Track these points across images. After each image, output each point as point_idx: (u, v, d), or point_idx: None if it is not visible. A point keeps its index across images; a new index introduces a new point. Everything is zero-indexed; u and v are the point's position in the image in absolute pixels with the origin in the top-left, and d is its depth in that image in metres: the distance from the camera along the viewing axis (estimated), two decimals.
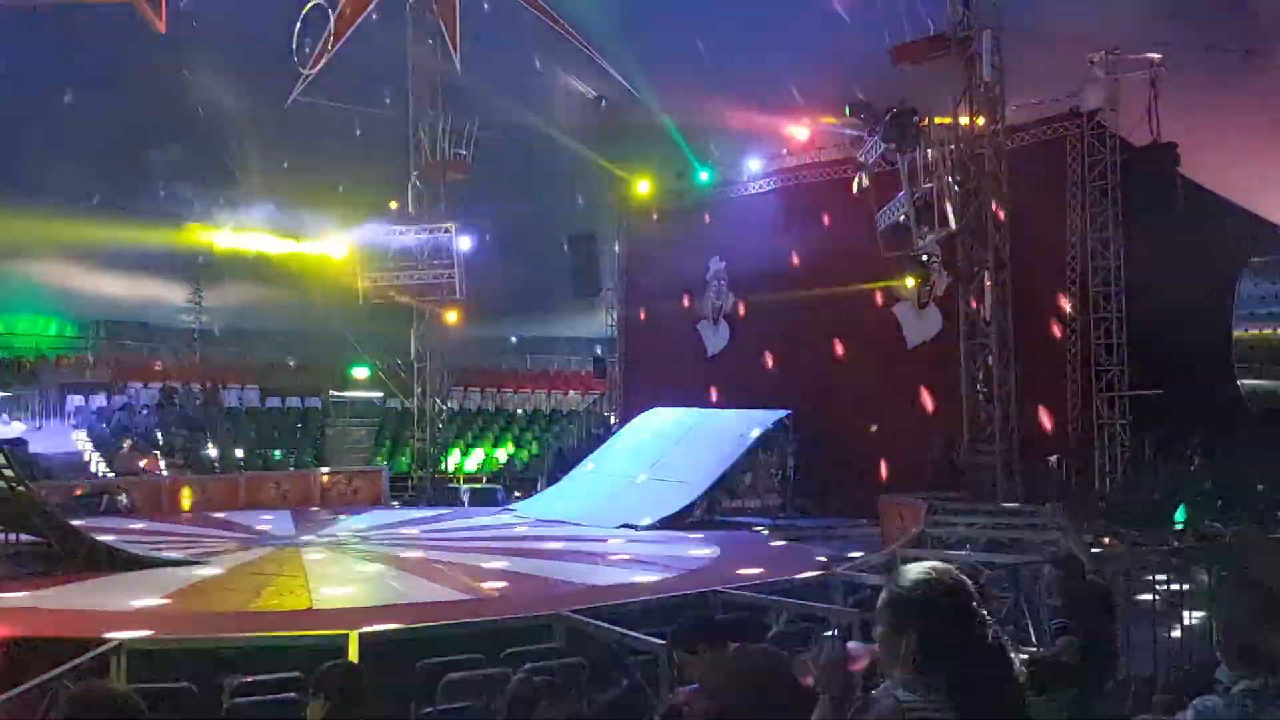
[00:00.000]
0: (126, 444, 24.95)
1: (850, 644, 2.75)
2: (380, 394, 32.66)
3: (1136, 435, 17.08)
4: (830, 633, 8.47)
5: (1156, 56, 16.98)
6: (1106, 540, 13.96)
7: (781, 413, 21.17)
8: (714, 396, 23.75)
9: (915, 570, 2.59)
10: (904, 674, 2.48)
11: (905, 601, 2.54)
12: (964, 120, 17.04)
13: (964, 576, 2.56)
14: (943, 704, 2.38)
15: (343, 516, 21.04)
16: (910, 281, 18.78)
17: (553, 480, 23.88)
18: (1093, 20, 18.80)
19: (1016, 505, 15.29)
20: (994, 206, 16.88)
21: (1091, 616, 6.30)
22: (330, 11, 26.69)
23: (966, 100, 16.99)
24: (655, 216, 26.56)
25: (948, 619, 2.47)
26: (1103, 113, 17.73)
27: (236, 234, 28.80)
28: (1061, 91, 18.39)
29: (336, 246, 27.27)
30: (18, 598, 11.34)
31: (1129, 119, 17.46)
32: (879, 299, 20.93)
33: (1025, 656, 6.70)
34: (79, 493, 20.73)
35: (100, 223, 27.88)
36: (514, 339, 39.17)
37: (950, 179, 16.64)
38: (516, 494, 24.79)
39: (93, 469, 24.95)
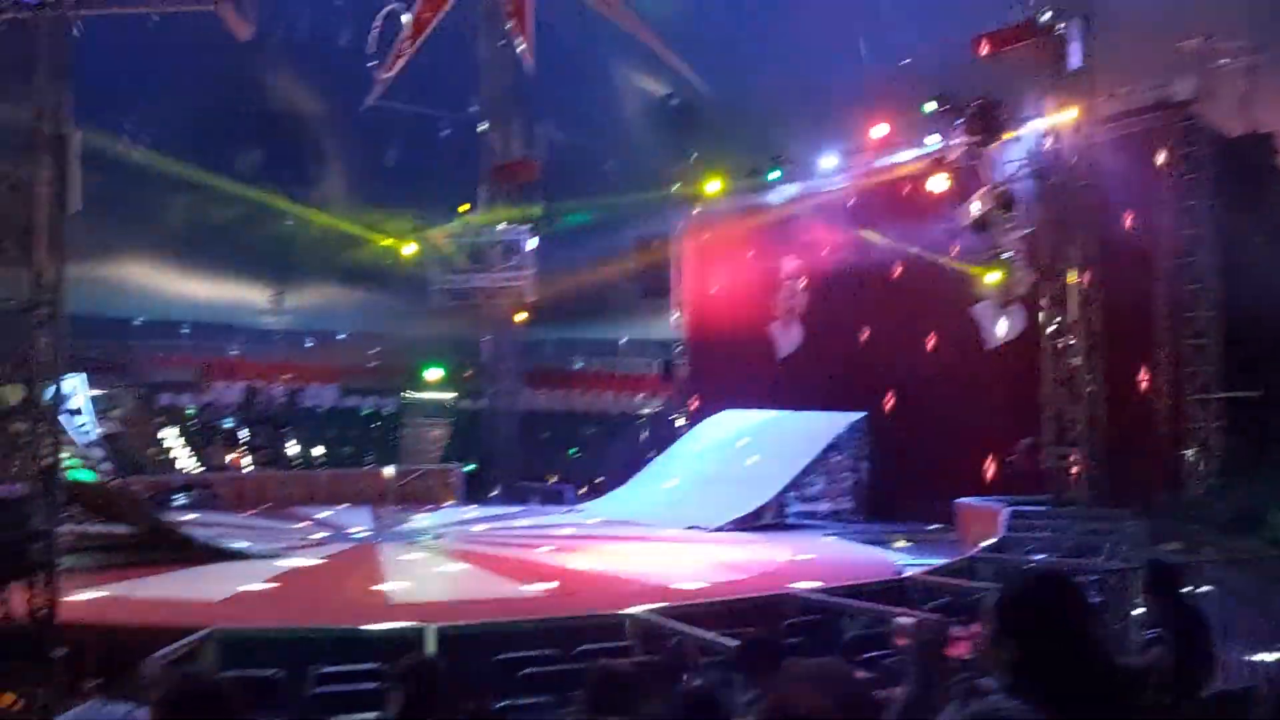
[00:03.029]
0: (214, 442, 25.63)
1: (954, 628, 2.69)
2: (453, 394, 33.08)
3: (1230, 438, 16.49)
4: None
5: (1252, 44, 16.35)
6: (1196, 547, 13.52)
7: (856, 415, 20.91)
8: (786, 399, 23.52)
9: (1027, 575, 2.50)
10: (1004, 679, 2.41)
11: (1010, 605, 2.46)
12: (1050, 112, 16.59)
13: (1078, 585, 2.47)
14: (1044, 714, 2.28)
15: (418, 513, 21.34)
16: (991, 279, 18.41)
17: (621, 481, 23.91)
18: (1184, 6, 18.18)
19: (1102, 510, 14.89)
20: (1079, 201, 16.42)
21: (1186, 627, 6.08)
22: (406, 15, 27.06)
23: (1053, 91, 16.52)
24: (725, 215, 26.42)
25: (1053, 628, 2.37)
26: (1195, 103, 17.12)
27: (316, 233, 29.33)
28: (1151, 81, 17.80)
29: (409, 248, 27.66)
30: (113, 588, 11.69)
31: (1223, 109, 16.84)
32: (958, 298, 20.51)
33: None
34: (169, 487, 21.36)
35: (186, 224, 28.67)
36: (585, 341, 39.34)
37: (1034, 173, 16.26)
38: (584, 493, 24.88)
39: (181, 465, 25.68)
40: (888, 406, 20.76)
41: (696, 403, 26.88)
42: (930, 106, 18.30)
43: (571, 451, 29.95)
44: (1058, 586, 2.46)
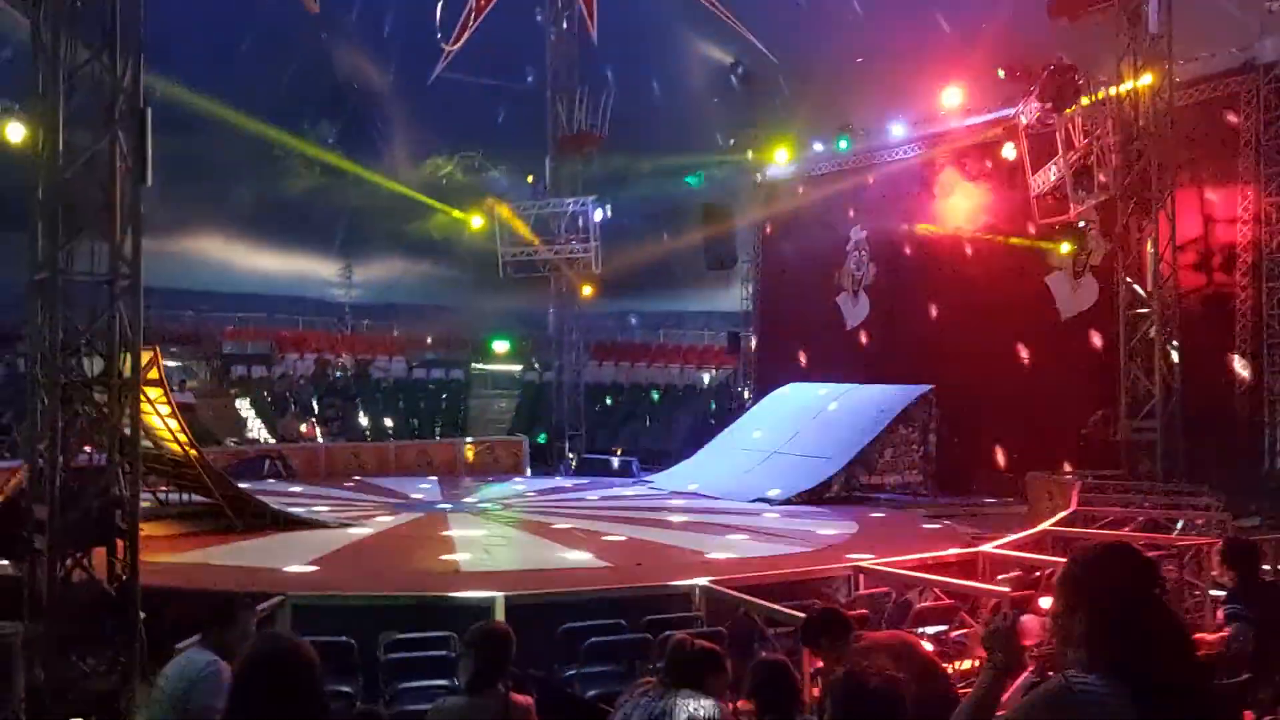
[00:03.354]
0: (286, 413, 26.20)
1: (1025, 617, 2.66)
2: (519, 366, 33.38)
3: None
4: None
5: None
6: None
7: (924, 387, 20.65)
8: (853, 371, 23.29)
9: (1096, 547, 2.47)
10: (1077, 654, 2.37)
11: (1080, 578, 2.43)
12: (1126, 77, 16.09)
13: (1149, 557, 2.43)
14: (1117, 688, 2.26)
15: (485, 484, 21.61)
16: (1065, 249, 17.98)
17: (686, 454, 23.93)
18: None
19: (1178, 485, 14.54)
20: (1157, 169, 15.94)
21: (1264, 603, 5.93)
22: None
23: (1130, 55, 16.02)
24: (793, 186, 26.15)
25: (1124, 599, 2.34)
26: None
27: (384, 204, 29.68)
28: (1234, 44, 17.17)
29: (476, 220, 27.84)
30: (190, 555, 12.04)
31: None
32: (1031, 268, 20.08)
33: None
34: (244, 458, 21.90)
35: (257, 198, 29.20)
36: (647, 313, 39.40)
37: (1111, 140, 15.80)
38: (650, 466, 24.96)
39: (255, 435, 26.31)
40: (958, 379, 20.44)
41: (764, 374, 26.76)
42: (1003, 72, 17.86)
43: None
44: (1126, 557, 2.42)
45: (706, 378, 34.63)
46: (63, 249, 6.85)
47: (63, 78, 6.91)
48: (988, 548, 11.28)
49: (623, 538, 14.32)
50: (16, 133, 13.46)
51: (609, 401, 31.85)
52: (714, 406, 30.39)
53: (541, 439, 27.66)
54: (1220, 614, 6.18)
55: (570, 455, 26.35)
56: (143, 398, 7.58)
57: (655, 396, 32.98)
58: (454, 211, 29.11)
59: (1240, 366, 16.89)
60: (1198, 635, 6.51)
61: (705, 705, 4.31)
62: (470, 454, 24.73)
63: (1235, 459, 16.05)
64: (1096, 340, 17.90)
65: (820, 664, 4.77)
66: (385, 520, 15.78)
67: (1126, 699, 2.23)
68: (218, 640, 4.57)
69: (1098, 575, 2.40)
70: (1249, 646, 5.64)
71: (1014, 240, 19.78)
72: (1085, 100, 16.07)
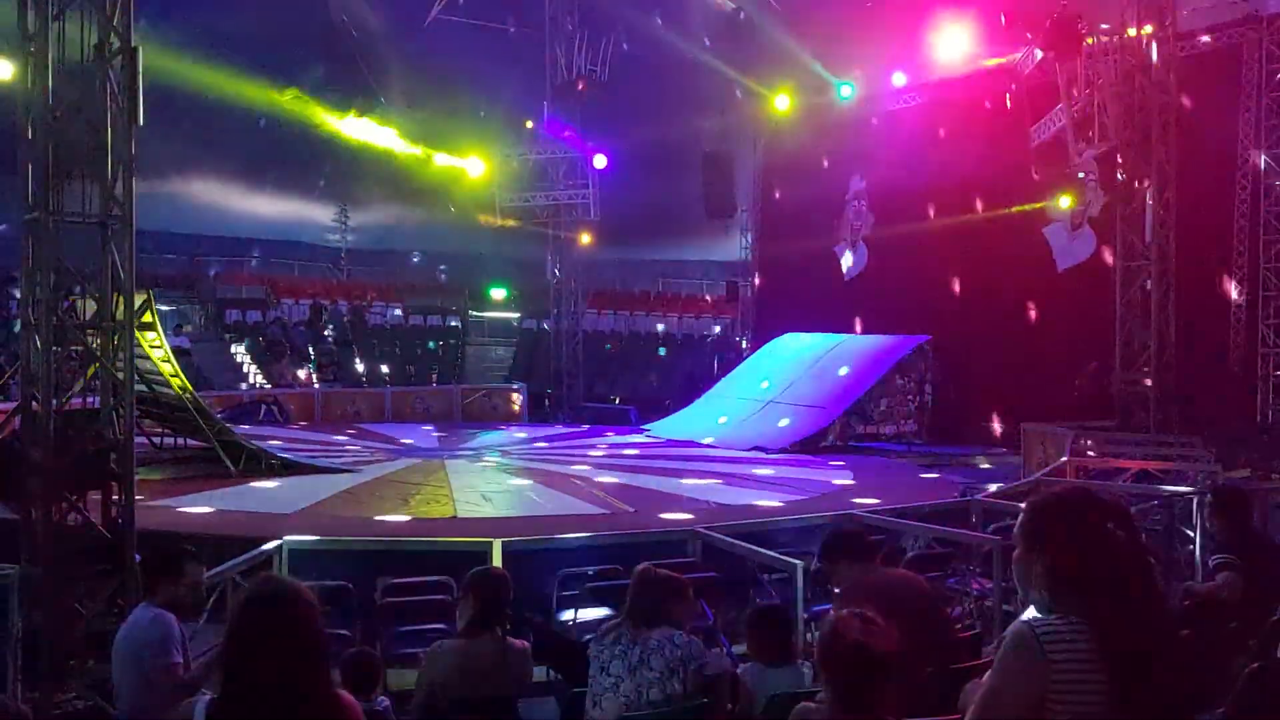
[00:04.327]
0: (281, 358, 26.17)
1: None
2: (517, 314, 33.32)
3: None
4: None
5: None
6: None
7: (920, 338, 20.67)
8: (850, 321, 23.29)
9: (1052, 492, 2.50)
10: (1039, 598, 2.39)
11: (1037, 522, 2.45)
12: (1129, 27, 15.89)
13: (1108, 500, 2.45)
14: (1079, 627, 2.28)
15: (482, 431, 21.68)
16: (1065, 201, 17.87)
17: (685, 403, 24.00)
18: None
19: (1170, 436, 14.61)
20: (1158, 120, 15.79)
21: (1255, 551, 5.97)
22: None
23: (1132, 5, 15.81)
24: (793, 134, 25.92)
25: (1084, 536, 2.37)
26: None
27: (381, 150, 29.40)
28: None
29: (474, 166, 27.60)
30: (186, 499, 12.08)
31: None
32: (1029, 219, 19.99)
33: (1183, 589, 6.45)
34: (239, 403, 21.92)
35: (251, 140, 28.88)
36: (646, 262, 39.26)
37: (1111, 91, 15.63)
38: (648, 414, 25.03)
39: (250, 380, 26.31)
40: (954, 329, 20.45)
41: (762, 324, 26.75)
42: (1005, 19, 17.62)
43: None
44: (1080, 500, 2.45)
45: (707, 327, 34.62)
46: (53, 190, 6.78)
47: (51, 15, 6.79)
48: (980, 496, 11.36)
49: (620, 484, 14.39)
50: (4, 70, 13.24)
51: (608, 350, 31.81)
52: (713, 356, 30.40)
53: (538, 386, 27.57)
54: (1210, 563, 6.22)
55: (567, 404, 26.37)
56: (137, 341, 7.53)
57: (661, 352, 32.92)
58: (450, 156, 28.83)
59: (1234, 320, 16.91)
60: (1188, 585, 6.58)
61: (680, 643, 4.34)
62: (466, 396, 24.79)
63: (1228, 411, 16.12)
64: (1092, 292, 17.84)
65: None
66: (381, 467, 15.83)
67: (1090, 637, 2.26)
68: (167, 594, 4.59)
69: (1054, 518, 2.42)
70: (1238, 595, 5.68)
71: (1012, 191, 19.65)
72: (1087, 50, 15.86)
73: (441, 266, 36.62)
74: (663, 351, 31.42)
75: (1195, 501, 9.50)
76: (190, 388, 14.03)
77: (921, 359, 20.86)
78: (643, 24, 26.68)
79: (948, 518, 10.48)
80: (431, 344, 31.18)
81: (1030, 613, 2.43)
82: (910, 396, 21.36)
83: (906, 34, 22.37)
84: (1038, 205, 19.40)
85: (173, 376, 13.30)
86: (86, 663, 6.58)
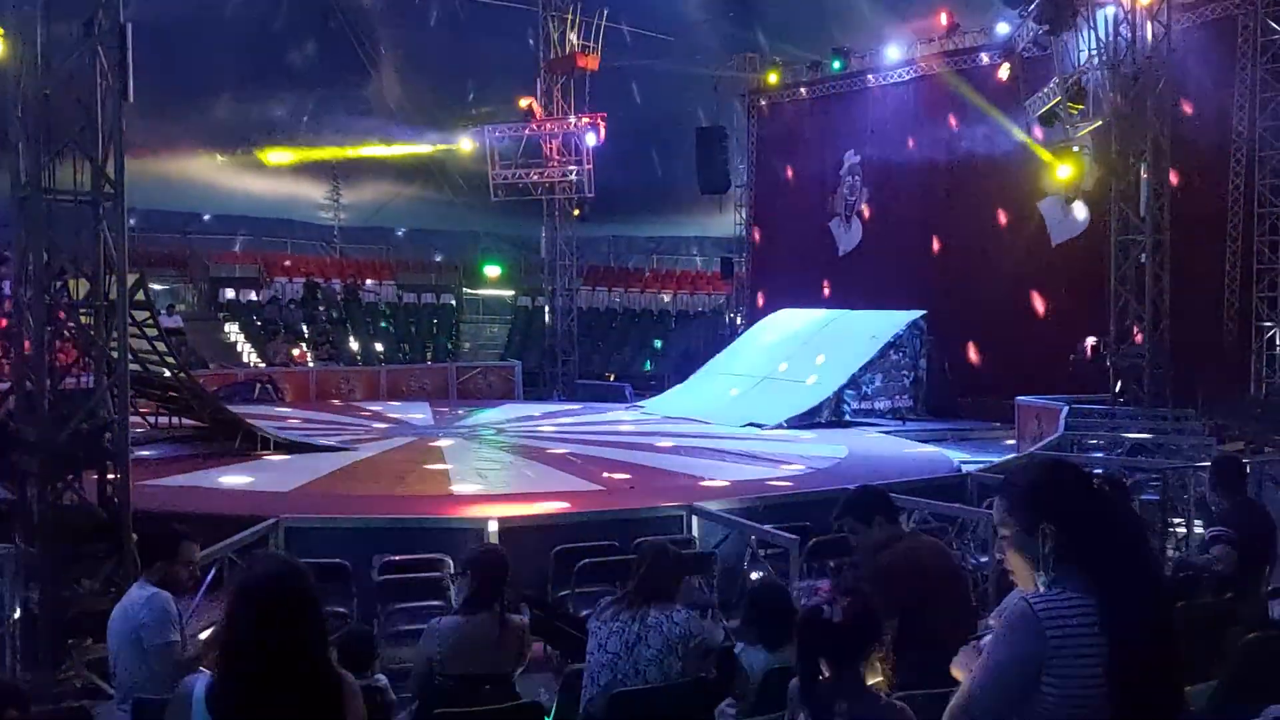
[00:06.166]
0: (275, 337, 26.11)
1: None
2: (511, 292, 33.25)
3: None
4: None
5: None
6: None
7: (915, 313, 20.65)
8: (845, 297, 23.27)
9: (1034, 465, 2.45)
10: (1041, 576, 2.35)
11: (1037, 490, 2.41)
12: None
13: (1080, 467, 2.42)
14: (1080, 603, 2.26)
15: (477, 409, 21.66)
16: (1064, 170, 17.85)
17: (680, 379, 23.98)
18: None
19: (1165, 409, 14.65)
20: (1154, 93, 15.74)
21: (1250, 524, 5.99)
22: None
23: None
24: (787, 109, 25.81)
25: (1086, 503, 2.34)
26: None
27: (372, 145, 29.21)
28: None
29: (468, 142, 27.44)
30: (181, 478, 12.06)
31: None
32: (1024, 193, 19.96)
33: (1177, 561, 6.49)
34: (233, 382, 21.88)
35: (244, 121, 28.69)
36: (640, 238, 39.19)
37: (1106, 63, 15.57)
38: (643, 391, 25.03)
39: (245, 359, 26.25)
40: (948, 305, 20.44)
41: (757, 300, 26.73)
42: None
43: (646, 366, 29.76)
44: (1068, 468, 2.44)
45: (701, 303, 34.56)
46: (45, 168, 6.72)
47: None
48: (975, 470, 11.39)
49: (616, 461, 14.40)
50: None
51: (603, 327, 31.77)
52: (708, 332, 30.37)
53: (533, 364, 27.54)
54: (1206, 535, 6.24)
55: (562, 381, 26.36)
56: (130, 320, 7.50)
57: (649, 322, 32.89)
58: (444, 133, 28.69)
59: (1229, 292, 16.93)
60: (1183, 557, 6.61)
61: (679, 620, 4.35)
62: (461, 374, 24.75)
63: (1222, 384, 16.16)
64: (1087, 265, 17.84)
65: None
66: (376, 445, 15.82)
67: (1091, 611, 2.25)
68: (163, 573, 4.61)
69: (1053, 489, 2.39)
70: (1232, 568, 5.70)
71: (1008, 165, 19.61)
72: (1081, 22, 15.79)
73: (435, 244, 36.48)
74: (659, 344, 31.30)
75: (1190, 474, 9.54)
76: (184, 366, 13.99)
77: (916, 334, 20.85)
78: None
79: (942, 492, 10.51)
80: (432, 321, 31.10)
81: (1026, 590, 2.41)
82: (905, 372, 21.36)
83: (900, 7, 22.27)
84: (1033, 178, 19.36)
85: (167, 356, 13.25)
86: (84, 642, 6.59)
